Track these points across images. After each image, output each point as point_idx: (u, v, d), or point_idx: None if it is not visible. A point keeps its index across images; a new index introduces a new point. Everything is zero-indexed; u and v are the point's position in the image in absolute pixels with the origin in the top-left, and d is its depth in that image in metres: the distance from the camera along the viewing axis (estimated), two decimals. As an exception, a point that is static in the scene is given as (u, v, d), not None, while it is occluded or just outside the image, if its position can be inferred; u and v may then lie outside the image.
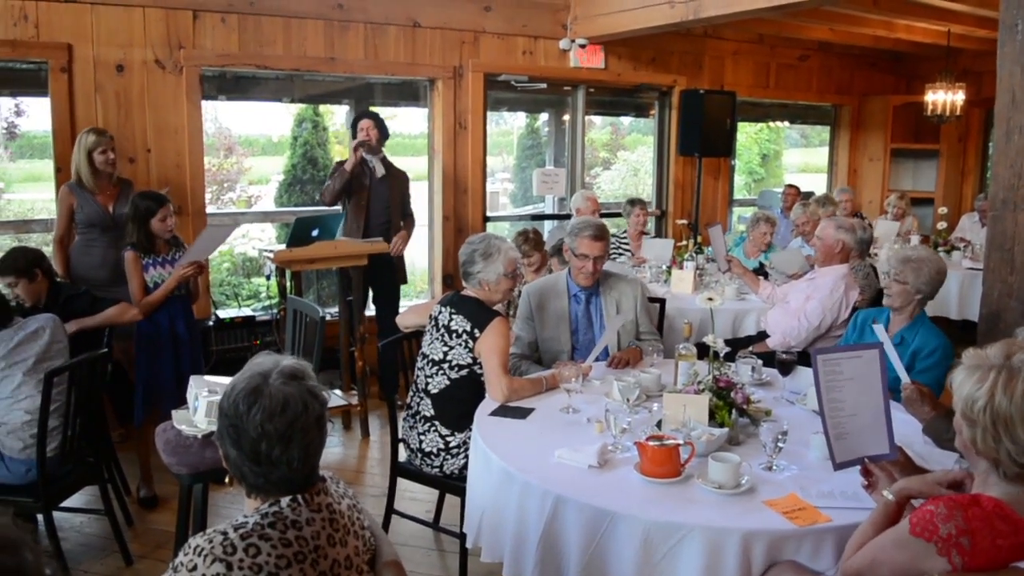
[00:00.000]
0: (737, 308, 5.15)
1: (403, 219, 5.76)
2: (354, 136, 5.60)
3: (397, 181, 5.72)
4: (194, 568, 1.58)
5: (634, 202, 6.50)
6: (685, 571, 2.22)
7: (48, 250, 4.67)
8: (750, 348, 4.40)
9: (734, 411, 2.87)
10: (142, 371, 4.24)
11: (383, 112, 6.52)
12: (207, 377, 3.14)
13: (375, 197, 5.55)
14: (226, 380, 3.18)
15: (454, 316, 3.35)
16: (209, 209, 6.01)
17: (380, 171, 5.56)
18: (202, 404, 2.85)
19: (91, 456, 3.75)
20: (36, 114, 9.36)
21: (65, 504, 3.64)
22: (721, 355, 3.09)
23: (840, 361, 2.23)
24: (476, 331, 3.28)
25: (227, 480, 1.83)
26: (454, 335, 3.33)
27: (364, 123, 5.53)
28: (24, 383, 3.29)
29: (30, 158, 11.40)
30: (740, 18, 5.99)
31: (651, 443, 2.52)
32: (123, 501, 4.11)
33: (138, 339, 4.25)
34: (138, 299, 4.18)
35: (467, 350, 3.31)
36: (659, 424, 2.84)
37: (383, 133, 5.59)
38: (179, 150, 5.54)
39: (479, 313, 3.32)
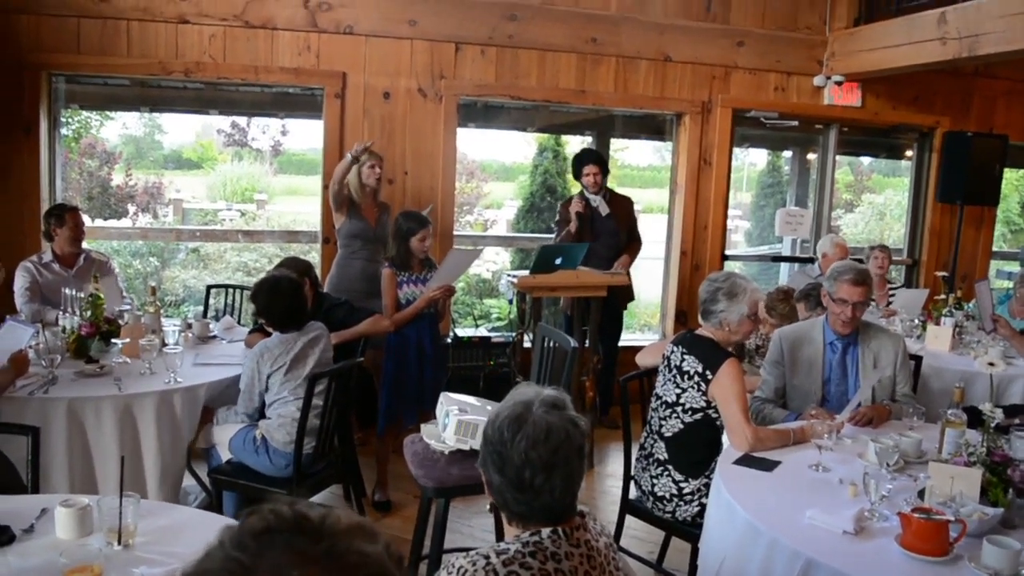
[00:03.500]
0: (1001, 374, 4.68)
1: (629, 243, 5.75)
2: (577, 174, 5.67)
3: (622, 210, 5.73)
4: (457, 587, 1.62)
5: (875, 247, 6.10)
6: (952, 662, 2.03)
7: (313, 258, 5.05)
8: (1016, 419, 4.00)
9: (1011, 490, 2.60)
10: (388, 382, 4.46)
11: (620, 144, 6.56)
12: (455, 395, 3.24)
13: (601, 233, 5.59)
14: (472, 399, 3.30)
15: (686, 356, 3.26)
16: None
17: (604, 210, 5.60)
18: (452, 422, 2.95)
19: (338, 457, 4.00)
20: (297, 134, 10.27)
21: (312, 500, 3.89)
22: (992, 425, 2.83)
23: None
24: (708, 373, 3.19)
25: (488, 507, 1.87)
26: (686, 376, 3.25)
27: (590, 168, 5.58)
28: (301, 385, 3.57)
29: (289, 173, 12.48)
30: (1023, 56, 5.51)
31: (917, 515, 2.33)
32: (360, 502, 4.35)
33: (387, 351, 4.48)
34: (390, 314, 4.41)
35: (700, 393, 3.22)
36: (921, 494, 2.62)
37: (605, 173, 5.64)
38: (433, 174, 5.85)
39: (711, 354, 3.21)
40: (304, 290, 3.80)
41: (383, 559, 0.93)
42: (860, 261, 6.35)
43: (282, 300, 3.63)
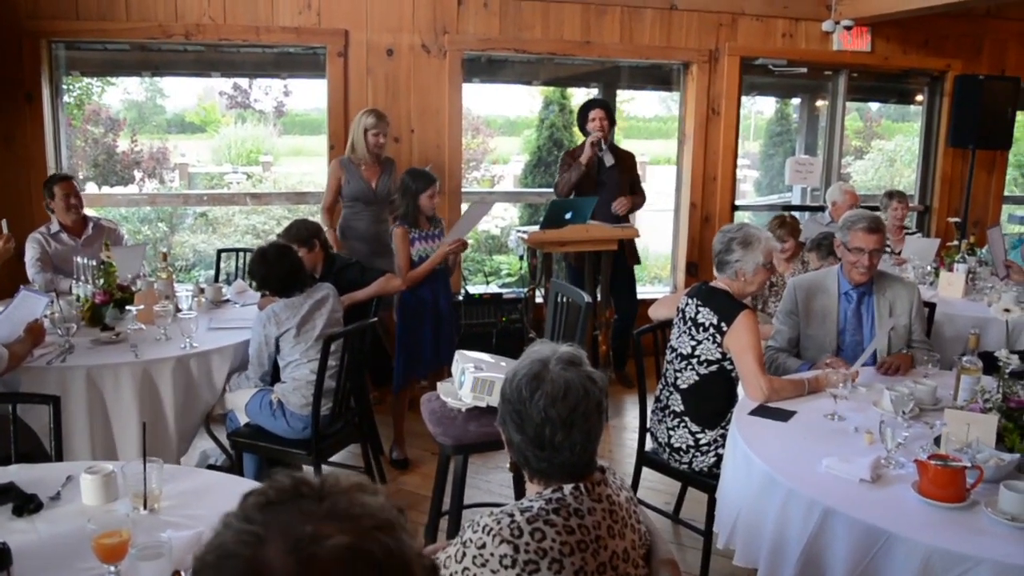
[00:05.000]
0: (1016, 319, 4.67)
1: (631, 195, 5.69)
2: (583, 124, 5.60)
3: (626, 165, 5.66)
4: (483, 546, 1.64)
5: (892, 194, 6.05)
6: (972, 606, 2.05)
7: (318, 218, 5.05)
8: (1030, 364, 3.99)
9: (1027, 436, 2.61)
10: (403, 341, 4.46)
11: (626, 95, 6.49)
12: (470, 352, 3.25)
13: (605, 185, 5.52)
14: (487, 356, 3.31)
15: (701, 308, 3.27)
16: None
17: (610, 160, 5.52)
18: (468, 379, 2.97)
19: (355, 417, 4.03)
20: (301, 95, 10.18)
21: (331, 460, 3.93)
22: (1007, 371, 2.83)
23: None
24: (723, 325, 3.19)
25: (508, 466, 1.89)
26: (701, 328, 3.25)
27: (596, 113, 5.49)
28: (312, 347, 3.59)
29: (294, 134, 12.40)
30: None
31: (933, 462, 2.34)
32: (378, 460, 4.38)
33: (401, 310, 4.48)
34: (404, 272, 4.39)
35: (715, 344, 3.22)
36: (937, 441, 2.63)
37: (611, 121, 5.57)
38: (439, 131, 5.81)
39: (726, 306, 3.22)
40: (295, 253, 3.81)
41: (387, 507, 0.95)
42: (875, 208, 6.34)
43: (274, 269, 3.65)
